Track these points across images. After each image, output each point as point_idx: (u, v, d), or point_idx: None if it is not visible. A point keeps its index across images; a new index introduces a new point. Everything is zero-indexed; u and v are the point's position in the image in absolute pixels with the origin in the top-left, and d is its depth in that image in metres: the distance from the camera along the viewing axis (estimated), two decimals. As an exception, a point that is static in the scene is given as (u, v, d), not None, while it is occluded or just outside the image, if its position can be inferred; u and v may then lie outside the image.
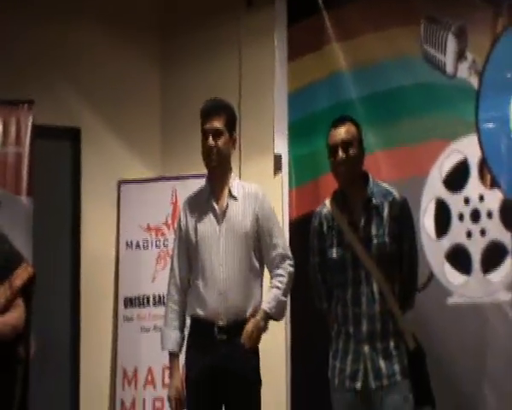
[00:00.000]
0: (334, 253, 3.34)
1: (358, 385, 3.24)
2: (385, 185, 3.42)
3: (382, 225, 3.29)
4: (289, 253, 3.62)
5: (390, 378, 3.20)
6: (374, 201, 3.31)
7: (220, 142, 3.48)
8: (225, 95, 3.81)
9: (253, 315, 3.46)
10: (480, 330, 3.95)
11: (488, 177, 4.13)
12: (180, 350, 3.56)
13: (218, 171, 3.53)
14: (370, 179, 3.38)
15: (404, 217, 3.33)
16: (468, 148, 4.17)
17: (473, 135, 4.15)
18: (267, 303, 3.50)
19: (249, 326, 3.44)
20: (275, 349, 4.54)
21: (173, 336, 3.54)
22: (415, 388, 3.24)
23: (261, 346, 3.52)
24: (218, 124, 3.48)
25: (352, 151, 3.32)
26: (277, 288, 3.52)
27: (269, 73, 4.86)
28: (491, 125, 4.13)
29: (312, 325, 4.53)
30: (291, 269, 3.57)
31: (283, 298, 3.55)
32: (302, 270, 4.51)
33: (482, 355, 3.91)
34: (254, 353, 3.50)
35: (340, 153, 3.31)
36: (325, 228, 3.38)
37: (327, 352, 4.48)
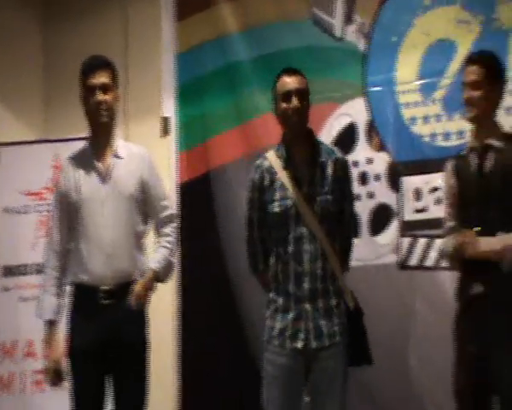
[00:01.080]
0: (276, 207, 3.22)
1: (300, 345, 3.17)
2: (327, 144, 3.38)
3: (326, 184, 3.21)
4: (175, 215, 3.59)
5: (330, 339, 3.16)
6: (319, 158, 3.23)
7: (109, 96, 3.37)
8: (111, 54, 3.64)
9: (139, 278, 3.38)
10: (369, 293, 3.92)
11: (376, 140, 4.23)
12: (58, 318, 3.41)
13: (106, 128, 3.41)
14: (316, 136, 3.31)
15: (346, 177, 3.29)
16: (355, 111, 4.25)
17: (360, 98, 4.24)
18: (156, 263, 3.41)
19: (137, 287, 3.34)
20: (162, 313, 4.51)
21: (51, 303, 3.38)
22: (353, 346, 3.21)
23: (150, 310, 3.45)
24: (105, 78, 3.37)
25: (305, 102, 3.23)
26: (166, 248, 3.45)
27: (156, 33, 4.81)
28: (377, 88, 4.23)
29: (202, 289, 4.60)
30: (177, 231, 3.53)
31: (172, 259, 3.49)
32: (192, 232, 4.55)
33: (371, 318, 3.91)
34: (142, 317, 3.41)
35: (295, 101, 3.19)
36: (267, 182, 3.26)
37: (217, 315, 4.52)
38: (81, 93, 3.39)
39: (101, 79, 3.35)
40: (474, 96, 3.21)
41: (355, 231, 3.43)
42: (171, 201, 3.63)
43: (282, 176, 3.22)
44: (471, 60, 3.30)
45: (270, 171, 3.26)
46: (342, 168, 3.26)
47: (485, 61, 3.26)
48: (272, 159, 3.27)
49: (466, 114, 3.29)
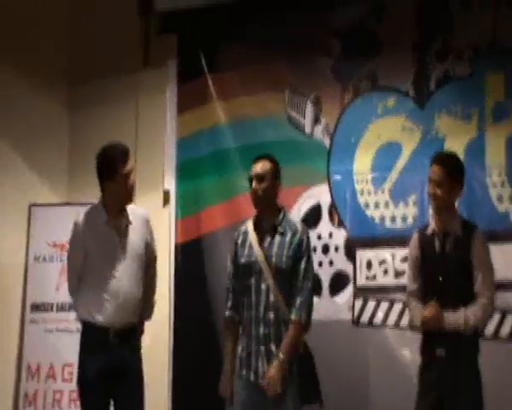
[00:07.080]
0: (243, 259, 3.86)
1: (252, 378, 3.78)
2: (294, 220, 4.00)
3: (282, 247, 3.82)
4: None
5: None
6: (279, 228, 3.88)
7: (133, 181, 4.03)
8: (123, 138, 4.32)
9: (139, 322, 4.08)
10: (327, 345, 4.53)
11: (336, 218, 4.86)
12: None
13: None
14: (282, 211, 3.92)
15: (301, 244, 3.84)
16: (320, 193, 4.91)
17: (325, 184, 4.88)
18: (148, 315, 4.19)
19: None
20: (157, 346, 5.12)
21: None
22: (304, 386, 3.76)
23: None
24: (132, 165, 4.00)
25: (264, 184, 3.88)
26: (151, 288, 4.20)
27: (161, 123, 5.39)
28: (338, 177, 4.88)
29: (193, 338, 5.17)
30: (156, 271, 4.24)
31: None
32: (186, 285, 5.18)
33: (329, 368, 4.39)
34: (139, 352, 4.07)
35: (254, 184, 3.89)
36: (240, 241, 3.94)
37: (205, 360, 5.04)
38: (111, 176, 3.93)
39: (131, 165, 3.99)
40: (436, 192, 3.67)
41: (309, 289, 3.81)
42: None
43: (252, 237, 3.92)
44: (436, 160, 3.72)
45: (244, 233, 3.96)
46: (299, 237, 3.85)
47: (447, 163, 3.69)
48: (248, 224, 3.98)
49: (430, 204, 3.82)
